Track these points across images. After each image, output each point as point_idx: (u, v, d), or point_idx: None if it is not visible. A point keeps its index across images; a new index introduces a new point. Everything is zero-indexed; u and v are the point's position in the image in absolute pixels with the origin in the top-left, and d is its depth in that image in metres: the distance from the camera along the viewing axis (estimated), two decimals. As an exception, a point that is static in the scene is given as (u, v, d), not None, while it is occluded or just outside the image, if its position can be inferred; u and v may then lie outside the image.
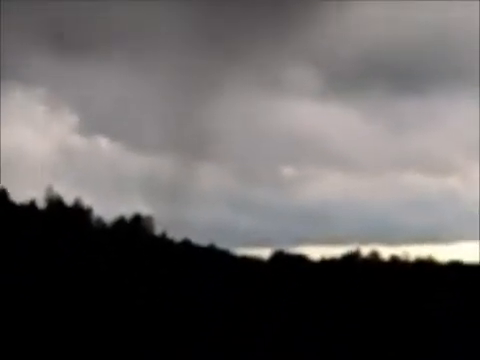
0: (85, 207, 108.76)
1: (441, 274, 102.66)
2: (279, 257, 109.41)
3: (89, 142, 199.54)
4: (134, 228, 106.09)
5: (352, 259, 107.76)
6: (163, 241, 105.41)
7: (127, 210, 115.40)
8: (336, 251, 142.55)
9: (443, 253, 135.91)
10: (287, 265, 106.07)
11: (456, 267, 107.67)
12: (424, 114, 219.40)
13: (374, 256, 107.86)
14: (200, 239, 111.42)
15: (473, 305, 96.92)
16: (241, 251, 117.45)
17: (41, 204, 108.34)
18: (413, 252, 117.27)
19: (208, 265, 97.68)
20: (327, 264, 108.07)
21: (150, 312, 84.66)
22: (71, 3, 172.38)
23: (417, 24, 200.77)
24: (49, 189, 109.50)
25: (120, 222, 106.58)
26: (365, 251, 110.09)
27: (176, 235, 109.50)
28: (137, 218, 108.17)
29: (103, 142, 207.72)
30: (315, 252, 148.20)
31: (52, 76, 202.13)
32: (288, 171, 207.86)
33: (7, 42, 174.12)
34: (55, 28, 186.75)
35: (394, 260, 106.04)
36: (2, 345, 74.08)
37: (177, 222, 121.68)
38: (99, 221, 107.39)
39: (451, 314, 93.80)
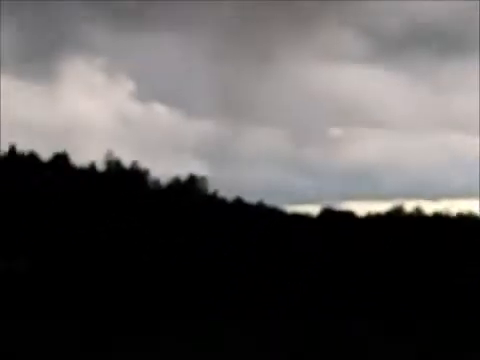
0: (142, 169, 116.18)
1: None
2: (327, 213, 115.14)
3: (146, 108, 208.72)
4: (189, 188, 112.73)
5: (397, 214, 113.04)
6: (216, 200, 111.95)
7: (182, 172, 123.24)
8: (381, 207, 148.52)
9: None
10: (335, 221, 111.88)
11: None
12: (467, 76, 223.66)
13: (417, 211, 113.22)
14: (252, 197, 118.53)
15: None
16: (291, 208, 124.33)
17: (101, 167, 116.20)
18: (455, 208, 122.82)
19: (259, 221, 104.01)
20: (373, 219, 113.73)
21: (204, 267, 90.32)
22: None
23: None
24: (108, 153, 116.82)
25: (175, 183, 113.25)
26: (409, 207, 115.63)
27: (228, 194, 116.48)
28: (192, 179, 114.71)
29: (159, 108, 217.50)
30: (361, 208, 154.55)
31: (111, 46, 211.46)
32: (336, 132, 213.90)
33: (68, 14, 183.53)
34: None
35: (437, 215, 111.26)
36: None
37: (230, 182, 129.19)
38: (156, 183, 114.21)
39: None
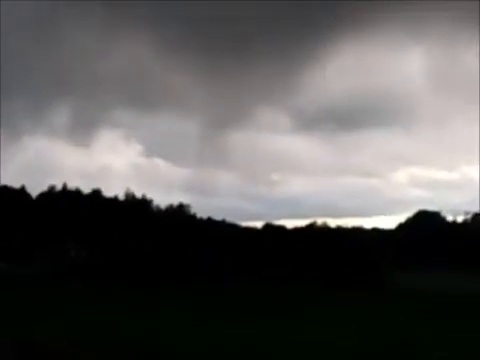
0: (148, 199, 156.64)
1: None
2: (268, 227, 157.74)
3: (149, 161, 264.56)
4: (179, 211, 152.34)
5: (312, 227, 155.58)
6: (195, 218, 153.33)
7: (174, 201, 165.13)
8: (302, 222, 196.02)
9: None
10: (273, 232, 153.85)
11: None
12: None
13: (325, 225, 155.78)
14: (218, 216, 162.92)
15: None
16: (244, 223, 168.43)
17: (122, 198, 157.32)
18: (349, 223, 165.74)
19: (223, 232, 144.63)
20: (297, 231, 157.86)
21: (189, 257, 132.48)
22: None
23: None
24: (127, 189, 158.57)
25: (170, 207, 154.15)
26: (319, 222, 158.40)
27: (203, 215, 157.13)
28: (180, 205, 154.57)
29: (158, 161, 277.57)
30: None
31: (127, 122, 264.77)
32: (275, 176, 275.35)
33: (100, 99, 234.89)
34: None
35: (338, 228, 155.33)
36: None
37: (204, 207, 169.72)
38: (158, 207, 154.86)
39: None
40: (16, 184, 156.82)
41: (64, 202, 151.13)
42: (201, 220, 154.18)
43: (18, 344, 35.67)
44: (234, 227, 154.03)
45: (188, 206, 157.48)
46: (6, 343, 35.95)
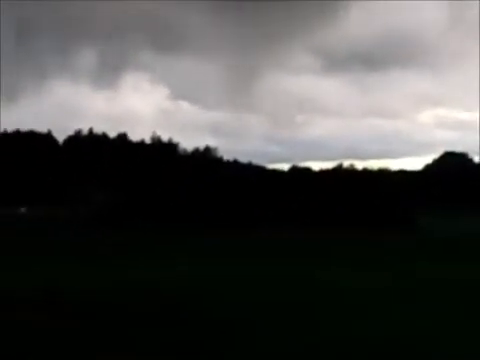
0: (175, 142, 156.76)
1: None
2: (294, 169, 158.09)
3: (175, 104, 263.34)
4: (205, 154, 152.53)
5: (338, 169, 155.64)
6: (222, 161, 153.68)
7: (201, 144, 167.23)
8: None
9: None
10: (299, 174, 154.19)
11: None
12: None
13: (351, 167, 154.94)
14: (244, 159, 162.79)
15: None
16: (270, 166, 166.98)
17: (148, 141, 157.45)
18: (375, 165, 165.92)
19: (250, 174, 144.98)
20: (324, 173, 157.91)
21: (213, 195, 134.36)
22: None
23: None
24: (153, 133, 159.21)
25: (196, 151, 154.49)
26: (345, 164, 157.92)
27: (230, 157, 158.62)
28: (207, 148, 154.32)
29: (184, 104, 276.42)
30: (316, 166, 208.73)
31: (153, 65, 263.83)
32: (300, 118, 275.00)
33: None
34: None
35: (365, 170, 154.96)
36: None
37: (231, 150, 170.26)
38: (184, 150, 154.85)
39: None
40: (42, 128, 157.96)
41: (90, 146, 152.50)
42: (228, 162, 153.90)
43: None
44: (261, 169, 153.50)
45: (214, 149, 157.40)
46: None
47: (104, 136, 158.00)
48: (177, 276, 44.40)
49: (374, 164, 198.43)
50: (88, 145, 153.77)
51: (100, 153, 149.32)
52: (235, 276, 43.39)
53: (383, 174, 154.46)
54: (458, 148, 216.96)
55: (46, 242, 79.54)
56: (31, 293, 34.67)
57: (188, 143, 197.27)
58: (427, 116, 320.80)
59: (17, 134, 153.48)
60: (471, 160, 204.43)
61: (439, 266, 51.47)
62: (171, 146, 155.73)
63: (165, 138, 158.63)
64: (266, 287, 37.58)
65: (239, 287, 38.24)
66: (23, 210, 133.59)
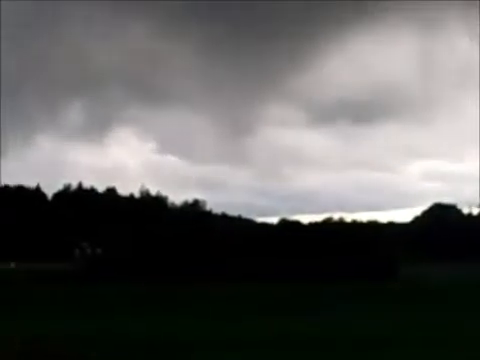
0: (163, 196, 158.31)
1: None
2: (282, 222, 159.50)
3: (163, 158, 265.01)
4: (193, 208, 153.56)
5: (327, 222, 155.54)
6: (210, 214, 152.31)
7: (189, 197, 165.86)
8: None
9: None
10: (287, 227, 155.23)
11: None
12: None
13: (341, 220, 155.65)
14: (234, 212, 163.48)
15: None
16: (259, 219, 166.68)
17: (137, 195, 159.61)
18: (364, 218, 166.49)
19: (238, 227, 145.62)
20: (313, 226, 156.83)
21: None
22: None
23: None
24: (142, 186, 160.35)
25: (185, 204, 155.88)
26: (335, 217, 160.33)
27: (218, 211, 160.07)
28: (195, 201, 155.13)
29: (171, 158, 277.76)
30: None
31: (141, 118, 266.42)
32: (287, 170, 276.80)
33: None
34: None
35: (353, 222, 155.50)
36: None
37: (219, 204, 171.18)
38: (173, 204, 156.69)
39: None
40: (31, 183, 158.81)
41: (79, 201, 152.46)
42: (216, 216, 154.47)
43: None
44: (250, 223, 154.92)
45: (203, 202, 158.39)
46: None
47: (93, 190, 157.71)
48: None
49: (363, 216, 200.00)
50: (77, 200, 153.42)
51: (89, 208, 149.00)
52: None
53: (372, 226, 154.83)
54: (446, 199, 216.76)
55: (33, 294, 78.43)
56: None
57: (177, 197, 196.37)
58: (415, 168, 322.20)
59: (6, 189, 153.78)
60: (460, 211, 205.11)
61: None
62: (160, 200, 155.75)
63: (154, 192, 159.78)
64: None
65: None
66: (12, 265, 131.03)
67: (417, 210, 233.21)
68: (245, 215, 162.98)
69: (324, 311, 54.47)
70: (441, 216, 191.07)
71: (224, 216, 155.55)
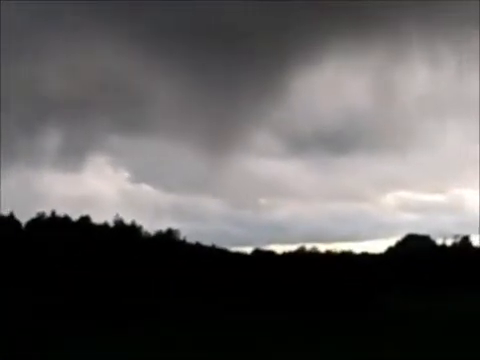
0: (137, 225, 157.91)
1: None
2: (257, 252, 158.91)
3: (137, 187, 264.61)
4: (168, 237, 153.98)
5: (300, 252, 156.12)
6: (185, 244, 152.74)
7: (163, 227, 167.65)
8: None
9: None
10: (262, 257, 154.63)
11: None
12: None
13: (314, 250, 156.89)
14: (207, 242, 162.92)
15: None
16: (233, 248, 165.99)
17: (111, 224, 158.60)
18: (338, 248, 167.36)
19: (212, 258, 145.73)
20: (286, 256, 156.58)
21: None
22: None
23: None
24: (116, 216, 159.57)
25: (159, 234, 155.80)
26: (308, 247, 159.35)
27: (191, 240, 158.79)
28: (169, 231, 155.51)
29: (145, 187, 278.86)
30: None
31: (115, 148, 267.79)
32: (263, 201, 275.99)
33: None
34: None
35: (327, 253, 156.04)
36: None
37: (193, 232, 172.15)
38: (146, 233, 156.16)
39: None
40: (5, 211, 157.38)
41: (53, 229, 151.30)
42: (190, 246, 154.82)
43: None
44: (224, 253, 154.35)
45: (177, 231, 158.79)
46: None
47: (66, 219, 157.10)
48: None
49: (337, 247, 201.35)
50: (51, 228, 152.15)
51: (63, 236, 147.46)
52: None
53: (346, 257, 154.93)
54: (421, 230, 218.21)
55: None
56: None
57: (150, 226, 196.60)
58: (390, 198, 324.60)
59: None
60: (434, 242, 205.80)
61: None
62: (134, 229, 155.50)
63: (128, 221, 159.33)
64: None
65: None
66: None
67: (391, 241, 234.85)
68: (219, 244, 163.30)
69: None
70: (413, 247, 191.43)
71: (198, 245, 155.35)
